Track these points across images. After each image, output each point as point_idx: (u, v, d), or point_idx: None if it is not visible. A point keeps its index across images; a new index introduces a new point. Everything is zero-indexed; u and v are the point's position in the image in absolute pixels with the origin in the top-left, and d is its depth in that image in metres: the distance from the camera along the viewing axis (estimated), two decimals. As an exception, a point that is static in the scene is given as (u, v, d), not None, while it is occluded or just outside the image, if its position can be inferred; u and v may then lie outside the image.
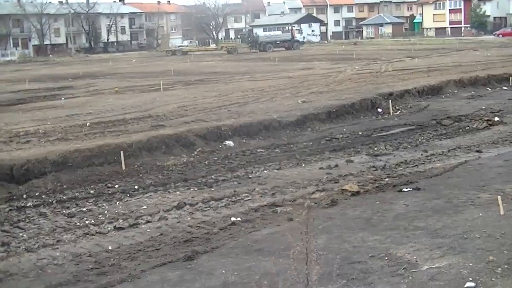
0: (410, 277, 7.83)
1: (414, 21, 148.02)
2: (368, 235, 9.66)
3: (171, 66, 53.23)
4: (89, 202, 13.05)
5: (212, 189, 13.47)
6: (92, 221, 11.58)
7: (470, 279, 7.65)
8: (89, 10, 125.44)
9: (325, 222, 10.51)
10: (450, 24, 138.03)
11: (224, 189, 13.44)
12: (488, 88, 30.73)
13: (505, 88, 31.02)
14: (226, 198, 12.54)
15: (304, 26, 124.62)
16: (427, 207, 10.99)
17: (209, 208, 11.97)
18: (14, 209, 12.88)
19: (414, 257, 8.52)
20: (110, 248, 9.96)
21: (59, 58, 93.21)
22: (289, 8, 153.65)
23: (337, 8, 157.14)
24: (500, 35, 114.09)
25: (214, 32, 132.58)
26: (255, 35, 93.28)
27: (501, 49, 63.48)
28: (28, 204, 13.16)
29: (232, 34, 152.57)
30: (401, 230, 9.80)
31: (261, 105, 23.77)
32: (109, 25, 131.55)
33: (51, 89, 36.27)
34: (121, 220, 11.48)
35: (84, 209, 12.49)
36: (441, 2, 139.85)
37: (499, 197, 10.38)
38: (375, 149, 17.29)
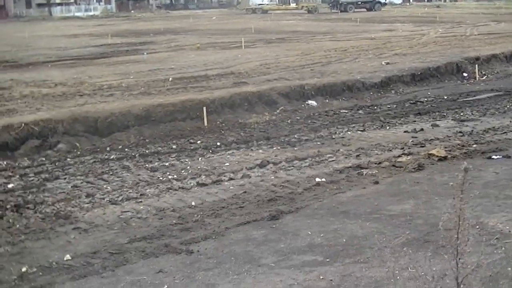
0: (503, 248, 7.55)
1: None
2: (457, 201, 9.37)
3: (251, 24, 52.92)
4: (172, 157, 13.15)
5: (295, 149, 13.37)
6: (175, 176, 11.67)
7: None
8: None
9: (412, 186, 10.26)
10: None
11: (307, 149, 13.31)
12: None
13: None
14: (310, 158, 12.42)
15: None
16: (520, 175, 10.61)
17: (292, 167, 11.88)
18: (98, 161, 13.12)
19: (507, 227, 8.22)
20: (193, 204, 10.00)
21: (141, 14, 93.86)
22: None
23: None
24: None
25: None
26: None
27: None
28: (112, 157, 13.39)
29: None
30: (492, 198, 9.49)
31: (344, 65, 23.42)
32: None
33: (133, 44, 36.76)
34: (203, 176, 11.51)
35: (167, 164, 12.59)
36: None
37: None
38: (461, 114, 16.78)
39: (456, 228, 8.04)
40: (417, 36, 37.20)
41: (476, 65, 23.91)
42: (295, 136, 14.57)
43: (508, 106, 17.62)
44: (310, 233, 8.46)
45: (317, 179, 10.85)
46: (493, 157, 11.97)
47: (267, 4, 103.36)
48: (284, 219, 9.06)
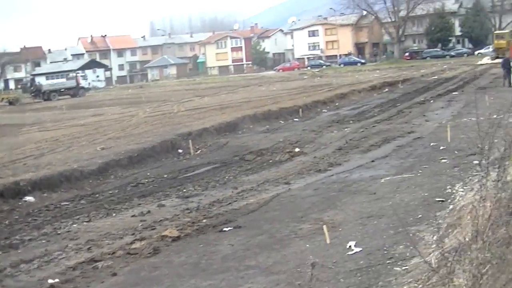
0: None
1: (198, 61, 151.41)
2: (201, 280, 9.24)
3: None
4: None
5: (19, 251, 12.30)
6: None
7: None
8: None
9: (151, 272, 9.92)
10: (232, 62, 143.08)
11: (33, 249, 12.30)
12: (281, 121, 31.72)
13: (296, 119, 32.20)
14: (38, 259, 11.43)
15: (88, 72, 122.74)
16: (253, 245, 10.79)
17: (20, 272, 10.86)
18: None
19: (254, 299, 8.21)
20: None
21: None
22: (71, 55, 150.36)
23: (120, 52, 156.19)
24: (280, 70, 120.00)
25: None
26: (37, 83, 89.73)
27: (284, 83, 66.38)
28: None
29: (12, 85, 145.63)
30: (233, 271, 9.48)
31: (59, 156, 22.54)
32: None
33: None
34: None
35: None
36: (223, 41, 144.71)
37: (324, 226, 10.42)
38: (184, 190, 16.89)
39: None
40: (126, 118, 37.48)
41: (190, 140, 24.52)
42: (17, 237, 13.44)
43: (227, 177, 18.16)
44: None
45: (50, 281, 10.01)
46: (225, 229, 12.10)
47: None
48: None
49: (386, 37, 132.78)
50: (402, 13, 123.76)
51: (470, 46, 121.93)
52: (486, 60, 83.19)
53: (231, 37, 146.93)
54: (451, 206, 11.00)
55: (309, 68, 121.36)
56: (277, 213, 13.07)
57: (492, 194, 5.97)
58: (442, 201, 12.00)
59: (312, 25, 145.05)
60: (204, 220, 13.09)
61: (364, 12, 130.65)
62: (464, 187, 12.24)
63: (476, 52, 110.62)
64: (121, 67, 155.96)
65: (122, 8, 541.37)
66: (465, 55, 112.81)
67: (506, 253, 5.16)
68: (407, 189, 13.83)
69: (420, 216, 11.12)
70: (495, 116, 18.88)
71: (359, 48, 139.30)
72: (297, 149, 21.69)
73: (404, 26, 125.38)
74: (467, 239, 5.97)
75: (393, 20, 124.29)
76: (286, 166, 18.98)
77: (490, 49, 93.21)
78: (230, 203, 14.57)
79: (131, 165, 21.57)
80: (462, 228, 7.46)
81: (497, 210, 5.55)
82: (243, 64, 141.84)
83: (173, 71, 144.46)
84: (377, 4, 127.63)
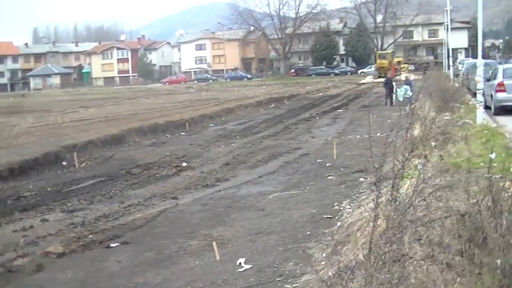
0: None
1: (83, 71, 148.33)
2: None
3: None
4: None
5: None
6: None
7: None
8: None
9: (35, 291, 9.58)
10: (118, 73, 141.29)
11: None
12: (168, 135, 31.57)
13: (183, 133, 32.14)
14: None
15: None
16: (141, 261, 10.62)
17: None
18: None
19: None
20: None
21: None
22: None
23: (1, 59, 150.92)
24: (167, 83, 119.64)
25: None
26: None
27: (170, 96, 66.20)
28: None
29: None
30: (121, 288, 9.31)
31: None
32: None
33: None
34: None
35: None
36: (109, 52, 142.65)
37: (214, 243, 10.40)
38: (69, 204, 16.38)
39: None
40: (7, 128, 36.19)
41: (74, 153, 23.95)
42: None
43: (113, 191, 17.81)
44: None
45: None
46: (112, 245, 11.86)
47: None
48: None
49: (272, 53, 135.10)
50: (289, 30, 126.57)
51: (354, 65, 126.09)
52: (369, 79, 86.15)
53: (118, 48, 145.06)
54: (339, 223, 11.25)
55: (195, 81, 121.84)
56: (165, 228, 12.94)
57: (384, 212, 6.16)
58: (330, 218, 12.25)
59: (200, 38, 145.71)
60: (90, 236, 12.78)
61: (252, 28, 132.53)
62: (351, 204, 12.56)
63: (359, 71, 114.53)
64: (1, 74, 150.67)
65: (4, 14, 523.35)
66: (349, 73, 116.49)
67: (399, 270, 5.32)
68: (295, 205, 14.03)
69: (308, 232, 11.29)
70: (379, 134, 19.55)
71: (246, 63, 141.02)
72: (184, 164, 21.62)
73: (291, 43, 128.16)
74: (359, 256, 6.11)
75: (280, 36, 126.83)
76: (173, 181, 18.85)
77: (373, 69, 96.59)
78: (116, 218, 14.29)
79: (12, 178, 20.79)
80: (353, 245, 7.63)
81: (389, 228, 5.72)
82: (129, 76, 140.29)
83: (57, 80, 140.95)
84: (264, 20, 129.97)
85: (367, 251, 6.14)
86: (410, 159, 7.05)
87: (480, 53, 23.94)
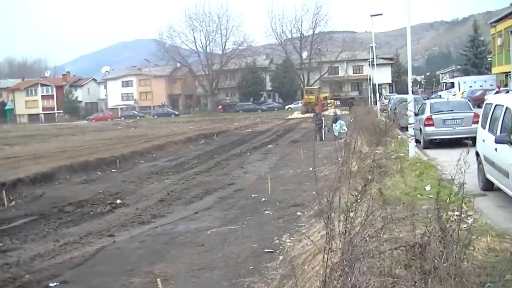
0: None
1: (6, 107, 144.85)
2: None
3: None
4: None
5: None
6: None
7: None
8: None
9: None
10: (43, 110, 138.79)
11: None
12: (99, 172, 31.13)
13: (114, 170, 31.75)
14: None
15: None
16: (84, 300, 10.47)
17: None
18: None
19: None
20: None
21: None
22: None
23: None
24: (93, 120, 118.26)
25: None
26: None
27: (98, 133, 65.44)
28: None
29: None
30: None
31: None
32: None
33: None
34: None
35: None
36: (33, 89, 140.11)
37: (158, 279, 10.34)
38: (1, 244, 16.01)
39: None
40: None
41: (4, 191, 23.39)
42: None
43: (47, 230, 17.47)
44: None
45: None
46: (51, 284, 11.65)
47: None
48: None
49: (199, 90, 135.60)
50: (216, 67, 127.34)
51: (281, 100, 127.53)
52: (296, 114, 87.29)
53: (42, 85, 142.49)
54: (281, 257, 11.35)
55: (122, 118, 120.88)
56: (105, 266, 12.78)
57: (333, 245, 6.28)
58: (272, 252, 12.34)
59: (126, 75, 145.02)
60: (27, 276, 12.51)
61: (178, 65, 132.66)
62: (292, 238, 12.69)
63: (286, 107, 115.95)
64: None
65: None
66: (276, 109, 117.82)
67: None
68: (235, 240, 14.08)
69: (251, 267, 11.35)
70: (311, 168, 19.83)
71: (173, 99, 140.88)
72: (118, 201, 21.40)
73: (218, 79, 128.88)
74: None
75: (206, 73, 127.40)
76: (108, 218, 18.64)
77: (300, 104, 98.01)
78: (53, 257, 14.03)
79: None
80: (298, 279, 7.72)
81: (342, 260, 5.84)
82: (54, 113, 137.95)
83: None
84: (191, 57, 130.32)
85: (318, 284, 6.25)
86: (352, 192, 7.24)
87: (410, 89, 24.73)
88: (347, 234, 6.05)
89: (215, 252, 13.13)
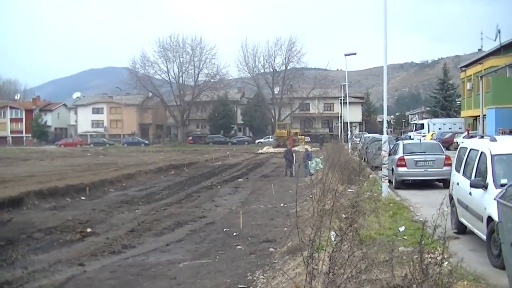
0: None
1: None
2: None
3: None
4: None
5: None
6: None
7: None
8: None
9: None
10: (11, 133, 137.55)
11: None
12: (68, 199, 30.83)
13: (83, 198, 31.47)
14: None
15: None
16: (55, 330, 10.32)
17: None
18: None
19: None
20: None
21: None
22: None
23: None
24: (62, 145, 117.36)
25: None
26: None
27: (67, 159, 64.94)
28: None
29: None
30: None
31: None
32: None
33: None
34: None
35: None
36: (2, 111, 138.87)
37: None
38: (-33, 270, 15.79)
39: None
40: None
41: (-30, 216, 23.08)
42: None
43: (14, 256, 17.08)
44: None
45: None
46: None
47: None
48: None
49: (170, 120, 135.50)
50: (188, 98, 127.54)
51: (251, 134, 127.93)
52: (266, 149, 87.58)
53: (11, 107, 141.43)
54: (255, 293, 11.32)
55: (92, 145, 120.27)
56: (75, 296, 12.64)
57: (311, 284, 6.33)
58: (245, 288, 12.31)
59: (97, 102, 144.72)
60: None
61: (150, 94, 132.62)
62: (265, 274, 12.67)
63: (256, 141, 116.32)
64: None
65: None
66: (246, 143, 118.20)
67: None
68: (207, 274, 13.99)
69: (225, 302, 11.31)
70: (282, 204, 19.91)
71: (143, 128, 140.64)
72: (88, 229, 21.20)
73: (189, 110, 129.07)
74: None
75: (178, 104, 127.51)
76: (78, 246, 18.43)
77: (271, 139, 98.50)
78: (21, 285, 13.79)
79: None
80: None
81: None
82: (22, 137, 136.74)
83: None
84: (163, 87, 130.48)
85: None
86: (325, 231, 7.31)
87: (385, 129, 25.03)
88: (330, 274, 6.10)
89: (187, 286, 13.04)
